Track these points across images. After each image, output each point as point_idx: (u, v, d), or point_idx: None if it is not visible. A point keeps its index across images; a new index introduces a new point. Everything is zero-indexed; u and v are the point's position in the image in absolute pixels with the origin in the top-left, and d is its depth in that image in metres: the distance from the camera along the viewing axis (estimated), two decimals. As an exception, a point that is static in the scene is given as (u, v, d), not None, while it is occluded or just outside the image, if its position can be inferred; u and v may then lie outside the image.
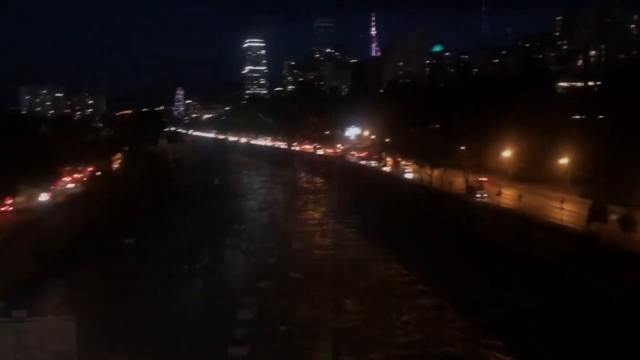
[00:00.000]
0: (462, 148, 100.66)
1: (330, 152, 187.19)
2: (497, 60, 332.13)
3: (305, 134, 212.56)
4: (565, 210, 66.10)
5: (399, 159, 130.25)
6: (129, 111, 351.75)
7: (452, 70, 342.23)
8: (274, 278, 66.20)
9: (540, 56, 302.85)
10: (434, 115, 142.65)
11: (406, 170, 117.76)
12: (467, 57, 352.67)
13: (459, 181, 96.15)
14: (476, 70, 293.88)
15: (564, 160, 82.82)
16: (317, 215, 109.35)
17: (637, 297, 49.99)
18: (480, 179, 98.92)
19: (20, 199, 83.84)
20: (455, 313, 53.17)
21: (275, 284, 64.14)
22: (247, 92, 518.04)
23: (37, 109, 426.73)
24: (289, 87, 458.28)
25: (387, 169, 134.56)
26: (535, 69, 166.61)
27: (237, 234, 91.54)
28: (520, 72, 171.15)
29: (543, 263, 63.26)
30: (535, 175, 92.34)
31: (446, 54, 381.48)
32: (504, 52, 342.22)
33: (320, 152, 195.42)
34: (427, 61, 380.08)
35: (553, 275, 60.44)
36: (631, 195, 63.81)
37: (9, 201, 76.77)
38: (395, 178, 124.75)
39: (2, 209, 75.61)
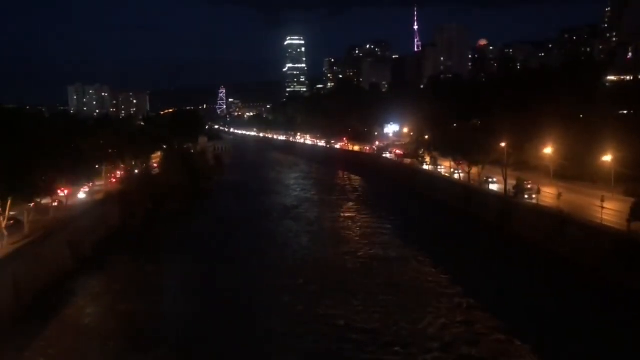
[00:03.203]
0: (502, 145, 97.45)
1: (368, 150, 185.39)
2: (542, 54, 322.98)
3: (343, 132, 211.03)
4: (607, 209, 62.99)
5: (435, 156, 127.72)
6: (172, 110, 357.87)
7: (495, 64, 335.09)
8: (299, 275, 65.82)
9: (588, 49, 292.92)
10: (475, 110, 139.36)
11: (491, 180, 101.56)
12: (510, 50, 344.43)
13: (498, 179, 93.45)
14: (519, 64, 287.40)
15: (607, 157, 78.95)
16: (351, 214, 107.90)
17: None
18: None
19: (59, 196, 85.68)
20: (484, 313, 51.41)
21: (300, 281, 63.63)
22: (288, 90, 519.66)
23: (84, 109, 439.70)
24: (329, 84, 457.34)
25: (426, 167, 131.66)
26: (581, 62, 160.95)
27: (268, 233, 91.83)
28: (565, 66, 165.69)
29: (578, 263, 60.63)
30: (577, 173, 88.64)
31: (490, 48, 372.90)
32: (549, 45, 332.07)
33: (358, 149, 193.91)
34: (470, 55, 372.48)
35: (587, 275, 57.96)
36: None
37: (47, 199, 78.31)
38: (433, 176, 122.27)
39: (42, 205, 77.07)
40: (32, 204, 72.28)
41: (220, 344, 48.42)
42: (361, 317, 52.40)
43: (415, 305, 54.67)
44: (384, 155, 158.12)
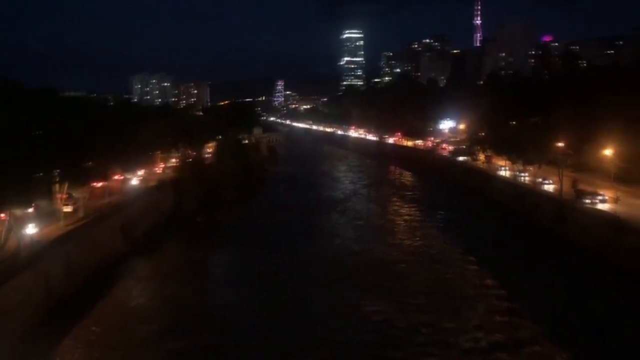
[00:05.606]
0: (560, 144, 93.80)
1: (422, 145, 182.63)
2: (611, 52, 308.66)
3: (397, 126, 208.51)
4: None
5: (489, 154, 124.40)
6: (228, 101, 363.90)
7: (559, 61, 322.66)
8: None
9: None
10: (535, 109, 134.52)
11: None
12: (577, 47, 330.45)
13: (553, 180, 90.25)
14: (586, 61, 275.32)
15: (672, 161, 74.64)
16: (399, 209, 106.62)
17: None
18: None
19: (113, 182, 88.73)
20: (529, 319, 49.62)
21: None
22: (344, 83, 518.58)
23: (147, 97, 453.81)
24: (386, 78, 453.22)
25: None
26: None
27: (315, 225, 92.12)
28: (634, 64, 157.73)
29: (629, 267, 57.70)
30: (638, 177, 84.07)
31: (554, 44, 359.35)
32: (619, 42, 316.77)
33: (411, 144, 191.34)
34: (532, 52, 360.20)
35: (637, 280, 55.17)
36: None
37: (101, 184, 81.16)
38: (486, 174, 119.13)
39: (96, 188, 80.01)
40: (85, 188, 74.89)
41: (260, 331, 49.17)
42: (401, 314, 51.79)
43: (457, 306, 53.57)
44: (462, 159, 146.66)
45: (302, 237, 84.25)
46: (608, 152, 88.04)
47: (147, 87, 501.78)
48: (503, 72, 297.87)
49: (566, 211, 78.36)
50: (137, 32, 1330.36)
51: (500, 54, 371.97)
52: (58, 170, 62.84)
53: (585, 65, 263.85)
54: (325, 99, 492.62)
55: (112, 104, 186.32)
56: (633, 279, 57.22)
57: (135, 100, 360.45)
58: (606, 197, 74.30)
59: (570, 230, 75.01)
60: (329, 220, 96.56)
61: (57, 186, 64.45)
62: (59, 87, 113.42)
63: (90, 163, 70.71)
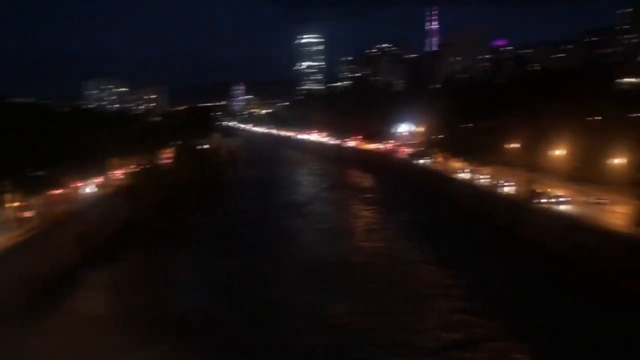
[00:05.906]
0: (514, 146, 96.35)
1: (381, 148, 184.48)
2: (562, 55, 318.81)
3: (357, 130, 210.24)
4: (618, 213, 61.92)
5: (443, 156, 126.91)
6: (186, 106, 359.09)
7: (512, 65, 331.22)
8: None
9: (609, 51, 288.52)
10: (489, 111, 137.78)
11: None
12: (530, 51, 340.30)
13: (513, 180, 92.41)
14: (537, 65, 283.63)
15: (620, 161, 77.52)
16: (360, 211, 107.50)
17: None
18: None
19: (68, 189, 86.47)
20: (486, 317, 50.66)
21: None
22: (304, 87, 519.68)
23: (103, 103, 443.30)
24: (345, 82, 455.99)
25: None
26: (596, 64, 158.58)
27: (276, 230, 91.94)
28: (581, 68, 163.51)
29: (585, 266, 59.63)
30: (589, 176, 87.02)
31: (507, 48, 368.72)
32: (569, 46, 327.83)
33: (371, 147, 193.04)
34: (487, 56, 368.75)
35: (593, 278, 56.96)
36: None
37: (56, 192, 79.01)
38: (444, 176, 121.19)
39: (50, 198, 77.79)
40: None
41: (221, 338, 48.68)
42: (366, 316, 52.24)
43: (419, 306, 54.34)
44: (421, 161, 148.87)
45: (263, 241, 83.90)
46: (559, 152, 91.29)
47: (102, 93, 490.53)
48: (459, 75, 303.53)
49: (521, 212, 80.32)
50: (96, 35, 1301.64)
51: (457, 58, 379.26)
52: (8, 179, 60.77)
53: (538, 68, 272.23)
54: (286, 103, 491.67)
55: (66, 110, 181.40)
56: (585, 274, 58.97)
57: (93, 106, 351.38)
58: (569, 198, 75.49)
59: (525, 231, 76.80)
60: (292, 225, 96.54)
61: (9, 195, 62.33)
62: (6, 93, 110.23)
63: (42, 172, 68.62)
